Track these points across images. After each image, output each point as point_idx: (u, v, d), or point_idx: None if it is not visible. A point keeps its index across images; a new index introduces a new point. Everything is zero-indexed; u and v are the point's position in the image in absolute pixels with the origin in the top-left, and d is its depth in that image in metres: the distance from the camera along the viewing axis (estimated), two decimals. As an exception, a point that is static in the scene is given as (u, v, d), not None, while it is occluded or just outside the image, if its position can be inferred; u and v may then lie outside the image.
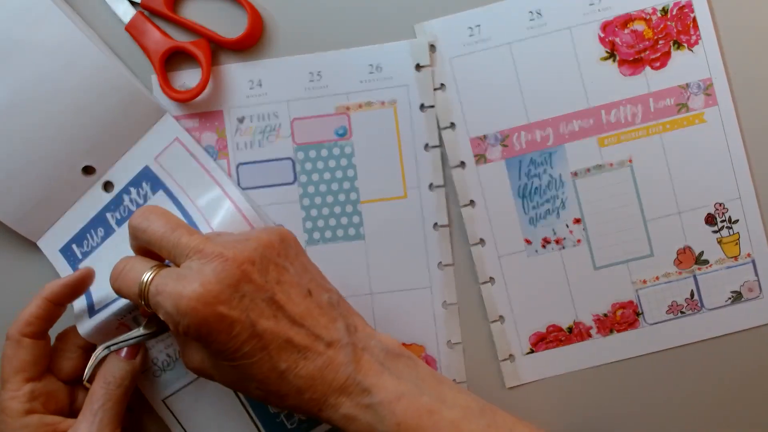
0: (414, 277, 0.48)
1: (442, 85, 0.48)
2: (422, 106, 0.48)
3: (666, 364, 0.48)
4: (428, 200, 0.48)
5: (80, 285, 0.45)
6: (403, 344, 0.47)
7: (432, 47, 0.48)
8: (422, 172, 0.48)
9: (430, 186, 0.48)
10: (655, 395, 0.48)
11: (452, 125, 0.48)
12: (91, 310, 0.46)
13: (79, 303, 0.46)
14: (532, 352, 0.48)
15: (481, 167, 0.48)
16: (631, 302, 0.48)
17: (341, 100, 0.48)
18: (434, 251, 0.48)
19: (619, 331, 0.48)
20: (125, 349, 0.44)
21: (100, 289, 0.46)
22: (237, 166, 0.48)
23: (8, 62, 0.46)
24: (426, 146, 0.48)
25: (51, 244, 0.48)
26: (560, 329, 0.48)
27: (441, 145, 0.48)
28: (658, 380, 0.48)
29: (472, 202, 0.48)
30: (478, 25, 0.48)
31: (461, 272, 0.48)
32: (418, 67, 0.48)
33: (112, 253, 0.48)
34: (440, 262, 0.48)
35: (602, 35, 0.47)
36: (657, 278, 0.48)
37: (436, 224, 0.48)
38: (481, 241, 0.48)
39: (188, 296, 0.35)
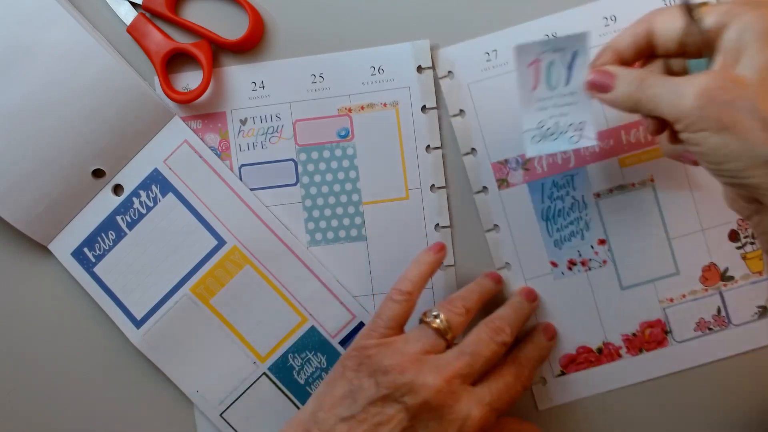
0: (415, 277, 0.49)
1: (461, 111, 0.48)
2: (424, 108, 0.48)
3: (696, 381, 0.47)
4: (430, 201, 0.48)
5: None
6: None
7: (450, 73, 0.48)
8: (424, 174, 0.48)
9: (432, 187, 0.48)
10: (687, 413, 0.48)
11: (473, 151, 0.48)
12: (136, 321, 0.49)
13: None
14: (563, 374, 0.48)
15: (503, 191, 0.48)
16: (659, 321, 0.48)
17: (343, 101, 0.48)
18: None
19: (648, 350, 0.48)
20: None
21: (134, 301, 0.49)
22: (240, 168, 0.49)
23: (18, 67, 0.46)
24: (427, 147, 0.48)
25: (62, 247, 0.49)
26: (590, 350, 0.48)
27: (442, 146, 0.48)
28: (689, 398, 0.48)
29: (496, 227, 0.48)
30: (495, 50, 0.47)
31: (463, 272, 0.49)
32: (419, 68, 0.48)
33: (124, 257, 0.49)
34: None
35: None
36: (684, 296, 0.47)
37: (437, 225, 0.48)
38: (507, 265, 0.48)
39: None
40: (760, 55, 0.33)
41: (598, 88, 0.39)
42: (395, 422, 0.39)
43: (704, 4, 0.37)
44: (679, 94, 0.34)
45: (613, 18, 0.47)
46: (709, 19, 0.35)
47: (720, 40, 0.35)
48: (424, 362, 0.40)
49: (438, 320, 0.42)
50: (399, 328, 0.43)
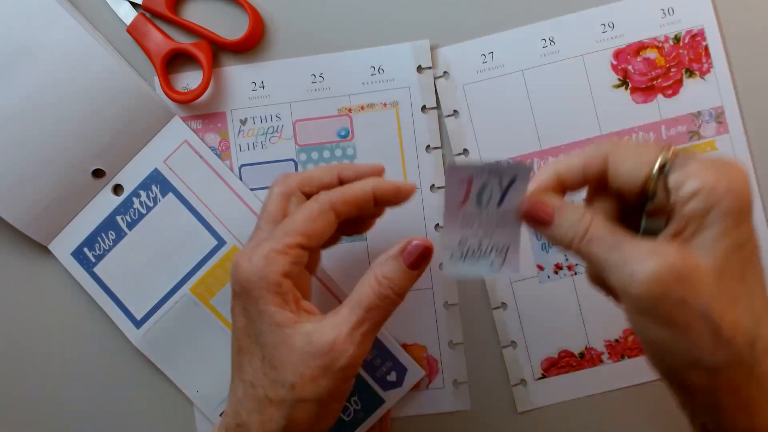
0: (415, 278, 0.49)
1: (455, 111, 0.48)
2: (424, 108, 0.48)
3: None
4: (430, 201, 0.48)
5: (403, 194, 0.40)
6: (405, 344, 0.49)
7: (445, 74, 0.48)
8: (424, 174, 0.48)
9: (432, 187, 0.48)
10: (668, 419, 0.48)
11: (465, 151, 0.48)
12: (136, 322, 0.49)
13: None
14: (543, 377, 0.49)
15: None
16: None
17: (343, 101, 0.48)
18: (435, 252, 0.48)
19: (630, 356, 0.48)
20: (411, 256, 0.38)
21: (134, 301, 0.49)
22: (240, 168, 0.49)
23: (19, 67, 0.46)
24: (427, 147, 0.48)
25: (62, 247, 0.49)
26: (572, 354, 0.48)
27: (442, 146, 0.48)
28: (670, 404, 0.47)
29: None
30: (491, 52, 0.47)
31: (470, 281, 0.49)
32: (419, 68, 0.48)
33: (124, 257, 0.49)
34: (441, 263, 0.49)
35: (615, 63, 0.47)
36: None
37: (437, 225, 0.48)
38: None
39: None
40: (721, 240, 0.30)
41: (534, 221, 0.35)
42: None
43: (675, 153, 0.32)
44: (629, 273, 0.31)
45: (611, 25, 0.47)
46: (675, 176, 0.31)
47: (682, 204, 0.31)
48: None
49: None
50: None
